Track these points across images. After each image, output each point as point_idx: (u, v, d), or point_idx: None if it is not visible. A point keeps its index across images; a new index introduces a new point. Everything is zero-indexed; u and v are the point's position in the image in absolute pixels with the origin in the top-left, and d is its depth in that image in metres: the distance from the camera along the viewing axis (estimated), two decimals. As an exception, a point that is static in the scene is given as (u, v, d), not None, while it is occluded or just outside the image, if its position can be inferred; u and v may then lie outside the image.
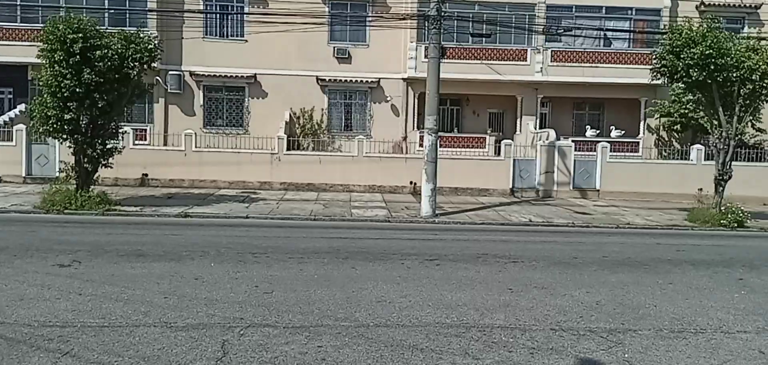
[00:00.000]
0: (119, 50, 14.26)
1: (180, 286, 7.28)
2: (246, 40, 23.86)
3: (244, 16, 23.68)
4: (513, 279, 8.25)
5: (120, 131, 16.16)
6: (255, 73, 24.05)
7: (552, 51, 23.83)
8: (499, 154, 21.79)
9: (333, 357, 5.11)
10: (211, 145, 21.88)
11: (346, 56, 24.12)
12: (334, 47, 24.10)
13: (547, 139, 21.62)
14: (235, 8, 24.36)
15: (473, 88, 24.31)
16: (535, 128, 24.06)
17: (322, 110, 24.45)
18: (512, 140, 22.84)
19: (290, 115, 24.00)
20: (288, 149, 21.15)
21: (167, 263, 8.54)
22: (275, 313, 6.28)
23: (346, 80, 24.17)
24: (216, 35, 24.27)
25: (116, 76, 14.51)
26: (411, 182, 20.45)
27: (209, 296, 6.85)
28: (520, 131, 24.75)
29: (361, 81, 24.17)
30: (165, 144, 22.21)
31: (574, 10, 23.74)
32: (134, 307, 6.33)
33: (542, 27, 22.83)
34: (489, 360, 5.14)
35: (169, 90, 23.74)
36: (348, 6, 24.28)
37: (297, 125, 24.24)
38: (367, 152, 21.14)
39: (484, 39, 22.43)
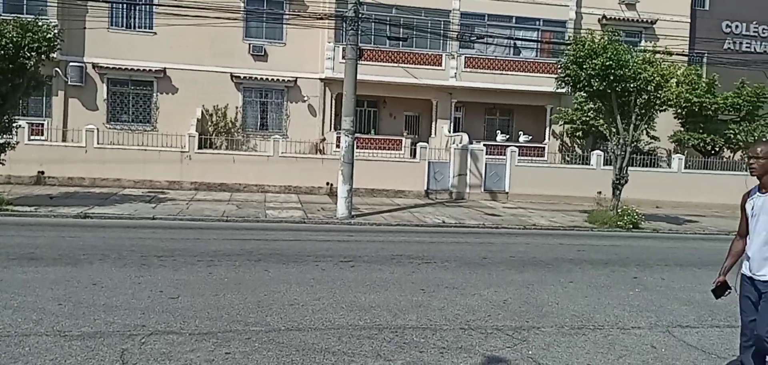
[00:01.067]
0: (14, 39, 13.35)
1: (76, 292, 6.82)
2: (155, 33, 22.83)
3: (154, 7, 22.64)
4: (426, 280, 8.37)
5: (14, 125, 15.01)
6: (164, 68, 23.05)
7: (465, 57, 24.51)
8: (414, 156, 22.13)
9: (241, 363, 4.96)
10: (116, 142, 20.74)
11: (263, 54, 23.64)
12: (249, 44, 23.54)
13: (460, 142, 22.19)
14: (142, -1, 23.27)
15: (390, 90, 24.56)
16: (449, 132, 24.66)
17: (237, 107, 23.82)
18: (427, 142, 23.27)
19: (202, 112, 23.20)
20: (200, 148, 20.44)
21: (63, 268, 7.99)
22: (181, 319, 6.02)
23: (262, 78, 23.68)
24: (122, 26, 23.04)
25: (10, 66, 13.58)
26: (328, 183, 20.34)
27: (108, 302, 6.46)
28: (435, 134, 25.27)
29: (278, 80, 23.77)
30: (64, 140, 20.84)
31: (486, 18, 24.55)
32: (25, 315, 5.86)
33: (456, 33, 23.43)
34: (400, 361, 5.17)
35: (69, 83, 22.26)
36: (264, 2, 23.83)
37: (210, 123, 23.46)
38: (284, 152, 20.82)
39: (400, 42, 22.72)
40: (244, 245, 10.61)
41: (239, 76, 23.59)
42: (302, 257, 9.66)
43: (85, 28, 21.90)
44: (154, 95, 23.43)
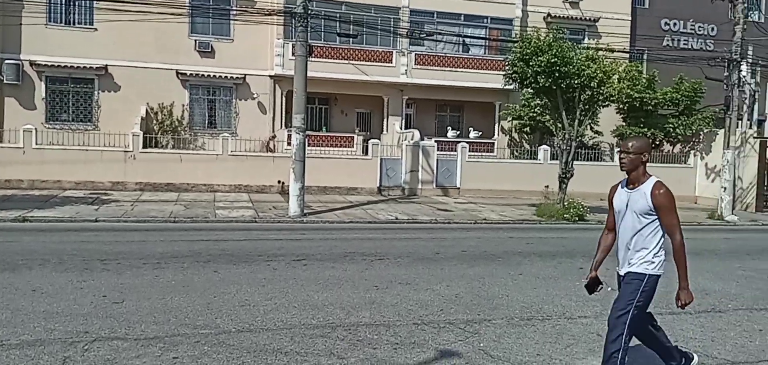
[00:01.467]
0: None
1: (14, 299, 6.50)
2: (96, 29, 22.04)
3: (94, 2, 21.81)
4: (379, 277, 8.39)
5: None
6: (106, 65, 22.27)
7: (416, 54, 24.68)
8: (366, 153, 22.13)
9: (191, 367, 4.84)
10: (55, 142, 19.94)
11: (209, 50, 23.13)
12: (195, 40, 23.00)
13: (412, 139, 22.34)
14: (82, -7, 22.38)
15: (341, 87, 24.48)
16: (401, 128, 24.78)
17: (183, 105, 23.23)
18: (379, 139, 23.32)
19: (147, 110, 22.53)
20: (145, 147, 19.86)
21: (0, 274, 7.62)
22: (126, 324, 5.83)
23: (209, 75, 23.19)
24: (61, 22, 22.14)
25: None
26: (279, 182, 20.11)
27: (49, 309, 6.19)
28: (387, 130, 25.35)
29: (226, 77, 23.33)
30: (0, 141, 19.86)
31: (435, 16, 24.77)
32: (-45, 326, 5.55)
33: (406, 31, 23.55)
34: (354, 359, 5.16)
35: (5, 81, 21.22)
36: (210, -3, 23.33)
37: (155, 122, 22.81)
38: (233, 151, 20.46)
39: (351, 39, 22.66)
40: (193, 246, 10.37)
41: (185, 73, 23.01)
42: (253, 257, 9.52)
43: (21, 24, 20.93)
44: (96, 93, 22.60)
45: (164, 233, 11.91)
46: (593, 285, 4.60)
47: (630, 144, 4.32)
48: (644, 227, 4.26)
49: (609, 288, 4.73)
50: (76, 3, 22.29)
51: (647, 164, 4.34)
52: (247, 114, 23.83)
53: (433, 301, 7.19)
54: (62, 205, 15.14)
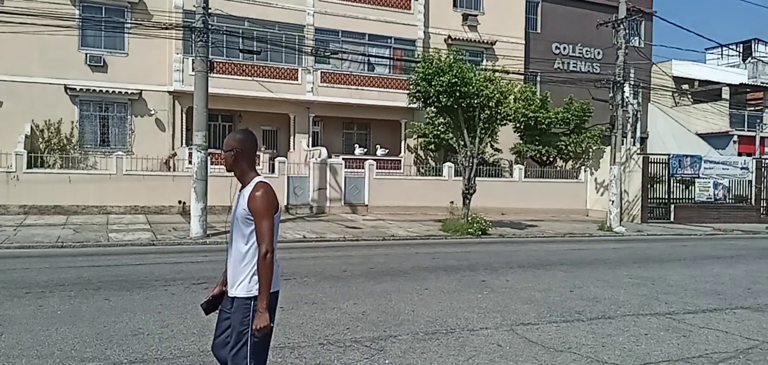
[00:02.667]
0: None
1: None
2: (-28, 40, 20.20)
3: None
4: (284, 297, 8.10)
5: None
6: (-15, 79, 20.46)
7: (322, 72, 24.67)
8: (273, 171, 21.73)
9: (75, 404, 4.46)
10: None
11: (102, 64, 21.88)
12: (86, 54, 21.68)
13: (319, 157, 22.23)
14: (-43, 1, 20.47)
15: (246, 104, 23.97)
16: (308, 146, 24.61)
17: (73, 122, 21.77)
18: (286, 157, 23.02)
19: (32, 128, 20.89)
20: (29, 167, 18.38)
21: None
22: (3, 359, 5.29)
23: (101, 91, 21.90)
24: (-70, 31, 20.08)
25: None
26: (180, 202, 19.28)
27: None
28: (294, 148, 25.09)
29: (120, 92, 22.13)
30: None
31: (340, 34, 24.93)
32: None
33: (311, 48, 23.51)
34: (256, 384, 4.96)
35: None
36: (103, 9, 22.08)
37: (41, 140, 21.20)
38: (129, 170, 19.39)
39: (255, 56, 22.28)
40: (82, 272, 9.65)
41: (75, 89, 21.61)
42: (149, 282, 9.00)
43: None
44: (-27, 109, 20.68)
45: (50, 260, 11.02)
46: (212, 305, 3.77)
47: (227, 141, 3.67)
48: (247, 236, 3.48)
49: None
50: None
51: (249, 162, 3.64)
52: (144, 131, 22.71)
53: (340, 320, 7.12)
54: (-71, 232, 13.65)
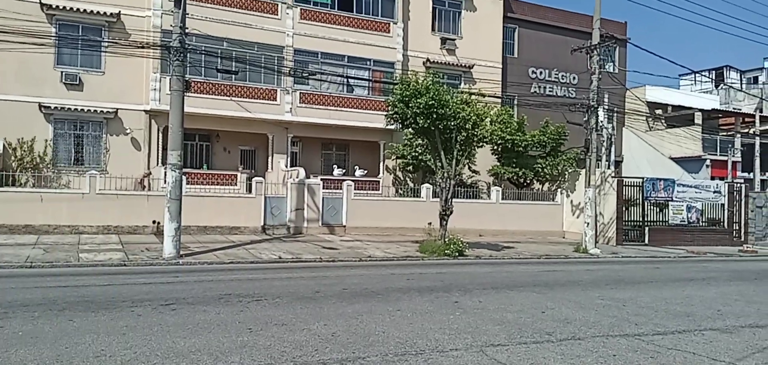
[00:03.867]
0: None
1: None
2: (-54, 56, 19.90)
3: (-59, 26, 19.70)
4: (254, 319, 8.09)
5: None
6: (-43, 96, 20.13)
7: (301, 93, 24.71)
8: (250, 191, 21.62)
9: (28, 428, 4.33)
10: None
11: (77, 83, 21.67)
12: (62, 72, 21.48)
13: (297, 177, 22.16)
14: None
15: (224, 124, 23.87)
16: (286, 166, 24.53)
17: (47, 140, 21.48)
18: (264, 177, 22.92)
19: (4, 145, 20.56)
20: (1, 185, 18.01)
21: None
22: (-45, 384, 5.14)
23: (76, 109, 21.67)
24: None
25: None
26: (154, 222, 19.03)
27: None
28: (272, 168, 24.99)
29: (95, 111, 21.91)
30: None
31: (319, 56, 25.05)
32: None
33: (290, 69, 23.56)
34: (218, 407, 4.88)
35: None
36: (80, 28, 21.92)
37: (13, 158, 20.86)
38: (102, 189, 19.12)
39: (233, 76, 22.25)
40: (48, 293, 9.44)
41: (49, 107, 21.36)
42: (116, 303, 8.84)
43: None
44: (-58, 126, 20.30)
45: (17, 280, 10.77)
46: None
47: None
48: None
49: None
50: None
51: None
52: (120, 150, 22.47)
53: (309, 341, 7.04)
54: None
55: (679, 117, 36.69)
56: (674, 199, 25.09)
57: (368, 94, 26.14)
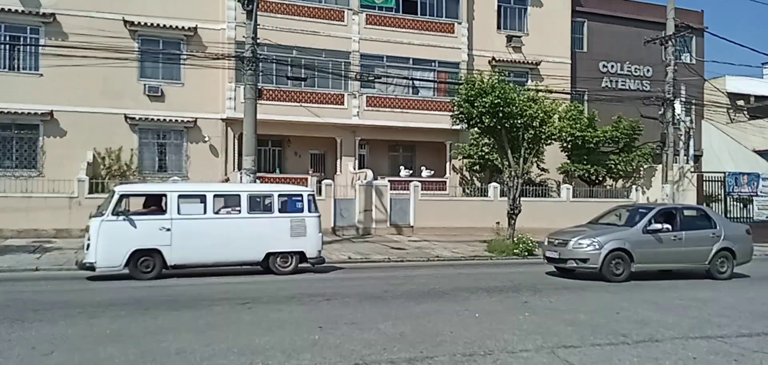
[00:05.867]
0: None
1: (-64, 355, 6.20)
2: (41, 74, 21.57)
3: (39, 48, 21.40)
4: (325, 318, 8.34)
5: None
6: (52, 110, 21.77)
7: (367, 96, 25.04)
8: (320, 194, 22.08)
9: (121, 417, 4.70)
10: (-3, 189, 19.21)
11: (159, 94, 22.91)
12: (145, 84, 22.77)
13: (365, 179, 22.48)
14: (28, 39, 21.95)
15: (294, 129, 24.56)
16: (355, 169, 24.92)
17: (132, 150, 22.82)
18: (333, 180, 23.39)
19: (94, 155, 22.02)
20: (91, 192, 19.34)
21: None
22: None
23: (159, 119, 22.92)
24: (5, 68, 21.69)
25: None
26: (230, 225, 19.80)
27: (-27, 364, 5.93)
28: (341, 171, 25.46)
29: (176, 120, 23.09)
30: (-64, 189, 19.16)
31: (385, 59, 25.28)
32: None
33: (356, 74, 23.92)
34: (291, 402, 5.10)
35: (-56, 127, 20.48)
36: (160, 42, 23.18)
37: (102, 167, 22.29)
38: (183, 195, 20.09)
39: (302, 83, 22.85)
40: (134, 293, 10.09)
41: (134, 118, 22.69)
42: (195, 302, 9.34)
43: (-37, 69, 20.36)
44: (41, 138, 22.03)
45: (106, 281, 11.55)
46: None
47: None
48: None
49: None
50: (22, 49, 21.82)
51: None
52: (199, 157, 23.57)
53: (377, 340, 7.18)
54: (2, 254, 14.53)
55: (762, 108, 34.42)
56: (759, 194, 23.61)
57: (434, 95, 26.14)
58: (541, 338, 7.50)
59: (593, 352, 6.92)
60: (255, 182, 15.66)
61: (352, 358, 6.42)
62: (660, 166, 21.13)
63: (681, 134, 23.16)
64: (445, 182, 26.23)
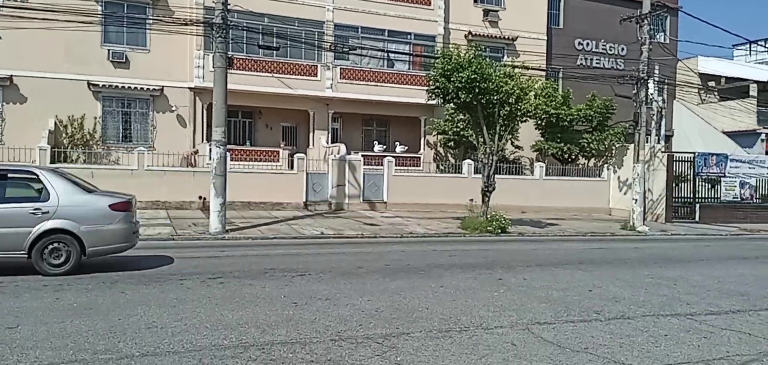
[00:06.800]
0: None
1: None
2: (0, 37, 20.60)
3: (-3, 8, 20.40)
4: (299, 293, 8.18)
5: None
6: (11, 75, 20.91)
7: (341, 68, 24.66)
8: (292, 168, 21.83)
9: (86, 396, 4.48)
10: (-50, 157, 18.39)
11: (124, 61, 22.15)
12: (109, 50, 21.97)
13: (338, 153, 22.23)
14: (-16, -1, 20.89)
15: (265, 101, 24.07)
16: (327, 143, 24.63)
17: (96, 118, 22.09)
18: (305, 153, 23.08)
19: (56, 123, 21.25)
20: (53, 161, 18.66)
21: None
22: (18, 351, 5.35)
23: (123, 87, 22.19)
24: (-42, 28, 20.54)
25: None
26: (200, 198, 19.44)
27: (-74, 339, 5.60)
28: (313, 145, 25.13)
29: (142, 88, 22.40)
30: None
31: (359, 31, 24.88)
32: None
33: (330, 44, 23.50)
34: (266, 380, 4.95)
35: None
36: (124, 6, 22.34)
37: (65, 135, 21.55)
38: (150, 165, 19.61)
39: (274, 52, 22.34)
40: (101, 267, 9.74)
41: (98, 84, 21.92)
42: (166, 276, 9.06)
43: None
44: (0, 105, 21.10)
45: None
46: None
47: None
48: None
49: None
50: (-23, 9, 20.77)
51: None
52: (166, 127, 22.95)
53: (353, 316, 7.07)
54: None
55: (732, 89, 35.14)
56: (727, 175, 24.14)
57: (409, 69, 25.89)
58: (516, 314, 7.49)
59: (567, 329, 6.93)
60: (225, 154, 15.27)
61: (327, 334, 6.29)
62: (632, 145, 21.34)
63: (653, 114, 23.45)
64: (420, 157, 26.13)
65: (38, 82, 21.14)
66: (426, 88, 19.11)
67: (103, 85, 22.00)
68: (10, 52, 20.56)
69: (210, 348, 5.68)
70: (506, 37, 27.40)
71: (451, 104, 18.39)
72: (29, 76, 21.04)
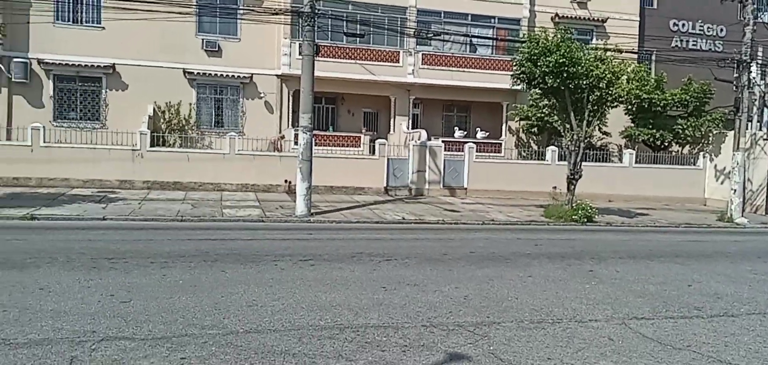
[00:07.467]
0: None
1: (22, 298, 6.48)
2: (103, 27, 22.06)
3: (101, 1, 21.86)
4: (387, 278, 8.32)
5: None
6: (114, 63, 22.33)
7: (423, 54, 24.59)
8: (373, 153, 22.07)
9: (198, 368, 4.80)
10: (63, 140, 19.94)
11: (216, 49, 23.15)
12: (203, 39, 23.02)
13: (418, 139, 22.26)
14: (89, -9, 22.45)
15: (348, 87, 24.44)
16: (408, 128, 24.69)
17: (191, 104, 23.26)
18: (386, 139, 23.27)
19: (154, 109, 22.57)
20: (152, 145, 19.87)
21: (7, 272, 7.60)
22: (133, 324, 5.80)
23: (216, 74, 23.22)
24: (69, 21, 22.16)
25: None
26: (286, 181, 20.08)
27: (56, 308, 6.17)
28: (394, 130, 25.28)
29: (233, 76, 23.34)
30: (8, 139, 20.10)
31: (442, 15, 24.66)
32: (-38, 325, 5.53)
33: (413, 30, 23.46)
34: (362, 361, 5.10)
35: (13, 79, 21.32)
36: (217, -3, 23.31)
37: (162, 120, 22.85)
38: (240, 150, 20.45)
39: (358, 39, 22.58)
40: (200, 245, 10.33)
41: (192, 72, 23.04)
42: (260, 257, 9.48)
43: (28, 22, 21.01)
44: (104, 91, 22.65)
45: (171, 232, 11.90)
46: None
47: None
48: None
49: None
50: (84, 2, 22.33)
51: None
52: (254, 113, 23.83)
53: (442, 303, 7.12)
54: (70, 203, 15.16)
55: None
56: (840, 165, 22.13)
57: (492, 53, 25.43)
58: (611, 308, 7.29)
59: (666, 325, 6.68)
60: (312, 140, 15.68)
61: (418, 319, 6.39)
62: (731, 132, 20.02)
63: (755, 99, 21.84)
64: (501, 144, 25.70)
65: (138, 70, 22.49)
66: (510, 73, 18.72)
67: (198, 73, 23.12)
68: (113, 43, 21.97)
69: (308, 328, 5.91)
70: (595, 18, 26.30)
71: (537, 90, 17.92)
72: (130, 64, 22.42)
